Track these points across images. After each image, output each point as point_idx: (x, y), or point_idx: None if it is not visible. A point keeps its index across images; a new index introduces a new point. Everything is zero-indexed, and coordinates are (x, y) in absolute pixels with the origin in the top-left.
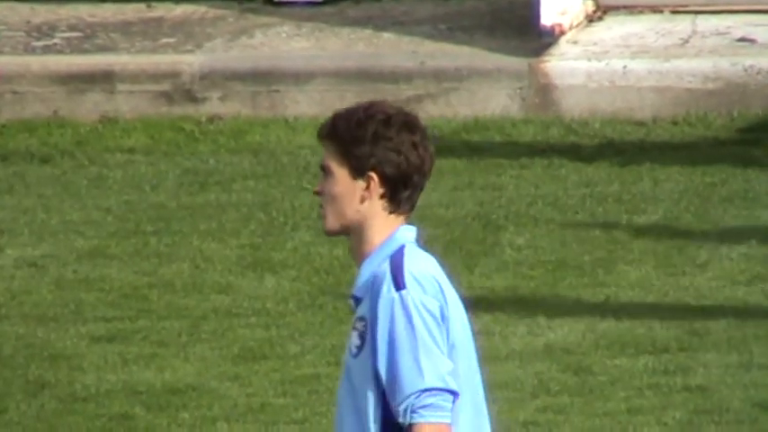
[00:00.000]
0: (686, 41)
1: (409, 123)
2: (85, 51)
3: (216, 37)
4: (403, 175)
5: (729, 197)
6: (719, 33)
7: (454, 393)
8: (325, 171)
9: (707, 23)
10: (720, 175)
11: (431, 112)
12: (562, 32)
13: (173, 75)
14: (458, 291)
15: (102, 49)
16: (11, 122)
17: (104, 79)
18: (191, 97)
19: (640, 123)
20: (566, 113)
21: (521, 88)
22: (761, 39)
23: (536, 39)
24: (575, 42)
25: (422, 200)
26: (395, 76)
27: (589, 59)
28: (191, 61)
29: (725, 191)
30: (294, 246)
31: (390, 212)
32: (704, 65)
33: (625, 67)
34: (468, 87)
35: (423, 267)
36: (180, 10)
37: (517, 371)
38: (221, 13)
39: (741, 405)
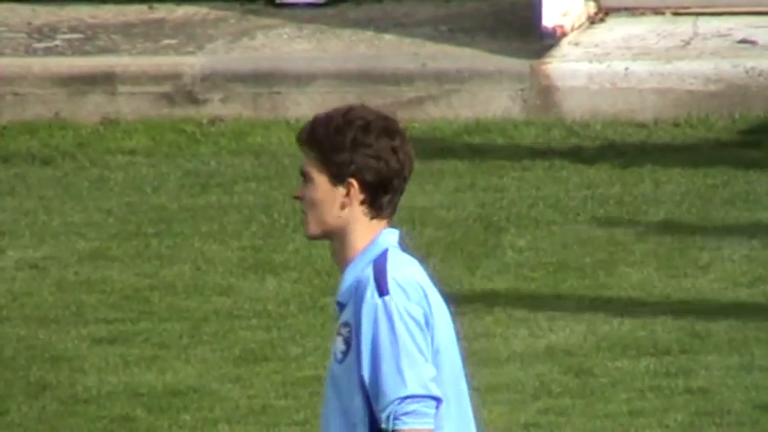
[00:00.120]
0: (687, 43)
1: (388, 128)
2: (87, 53)
3: (217, 38)
4: (383, 181)
5: (731, 199)
6: (721, 35)
7: (437, 399)
8: (305, 177)
9: (708, 25)
10: (722, 177)
11: (432, 114)
12: (564, 34)
13: (174, 76)
14: (459, 292)
15: (104, 50)
16: (12, 124)
17: (106, 81)
18: (192, 99)
19: (642, 125)
20: (567, 115)
21: (522, 90)
22: (762, 40)
23: (537, 40)
24: (576, 44)
25: (423, 202)
26: (396, 78)
27: (590, 61)
28: (192, 63)
29: (726, 192)
30: (295, 248)
31: (372, 217)
32: (705, 66)
33: (626, 68)
34: (470, 89)
35: (406, 273)
36: (181, 11)
37: (518, 372)
38: (223, 14)
39: (742, 407)
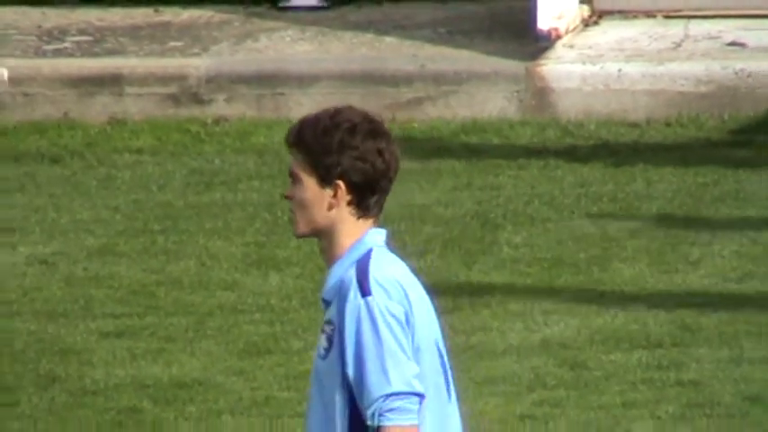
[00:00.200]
0: (679, 45)
1: (374, 130)
2: (95, 55)
3: (222, 41)
4: (370, 182)
5: (721, 197)
6: (711, 37)
7: (420, 396)
8: (294, 178)
9: (699, 28)
10: (712, 176)
11: (430, 114)
12: (558, 36)
13: (180, 78)
14: (456, 287)
15: (112, 52)
16: (22, 124)
17: (113, 82)
18: (197, 99)
19: (634, 125)
20: (562, 115)
21: (518, 91)
22: (751, 43)
23: (533, 43)
24: (571, 46)
25: (422, 199)
26: (396, 79)
27: (584, 63)
28: (197, 64)
29: (717, 191)
30: (297, 244)
31: (359, 217)
32: (696, 68)
33: (619, 70)
34: (467, 90)
35: (387, 273)
36: (187, 14)
37: (514, 365)
38: (227, 17)
39: (732, 399)
